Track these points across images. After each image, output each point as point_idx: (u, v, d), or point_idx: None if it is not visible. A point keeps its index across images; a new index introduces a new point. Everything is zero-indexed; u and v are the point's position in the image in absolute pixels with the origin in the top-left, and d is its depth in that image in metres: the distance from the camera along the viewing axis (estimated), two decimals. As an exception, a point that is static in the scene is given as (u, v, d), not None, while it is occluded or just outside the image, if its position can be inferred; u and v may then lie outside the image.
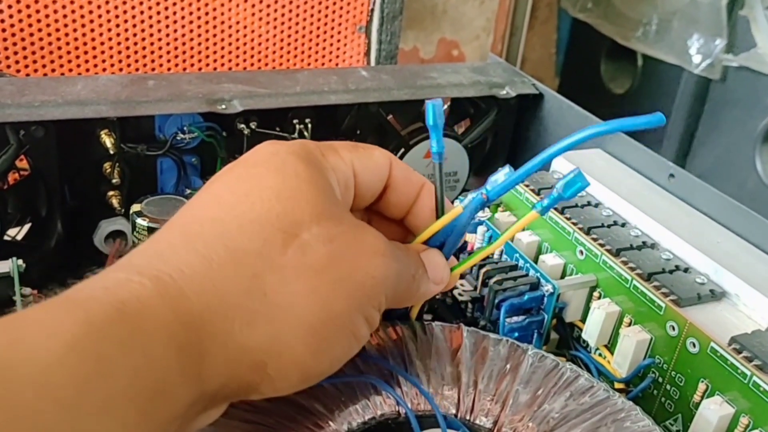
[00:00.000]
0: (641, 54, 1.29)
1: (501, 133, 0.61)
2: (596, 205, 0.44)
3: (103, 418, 0.19)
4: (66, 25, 0.73)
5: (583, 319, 0.40)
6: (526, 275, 0.40)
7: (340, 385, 0.28)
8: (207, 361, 0.22)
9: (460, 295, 0.42)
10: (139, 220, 0.43)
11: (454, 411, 0.28)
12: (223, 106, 0.47)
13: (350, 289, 0.24)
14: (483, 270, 0.40)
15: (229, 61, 0.81)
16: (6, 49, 0.71)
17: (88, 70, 0.75)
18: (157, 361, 0.21)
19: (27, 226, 0.50)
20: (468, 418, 0.28)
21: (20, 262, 0.36)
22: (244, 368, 0.23)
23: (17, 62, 0.72)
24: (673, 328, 0.35)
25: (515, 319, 0.39)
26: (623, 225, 0.42)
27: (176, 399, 0.21)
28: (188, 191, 0.51)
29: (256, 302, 0.23)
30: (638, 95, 1.32)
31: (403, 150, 0.56)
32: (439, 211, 0.31)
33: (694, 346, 0.34)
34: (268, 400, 0.26)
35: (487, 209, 0.45)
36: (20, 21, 0.71)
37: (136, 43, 0.76)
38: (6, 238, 0.47)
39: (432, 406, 0.27)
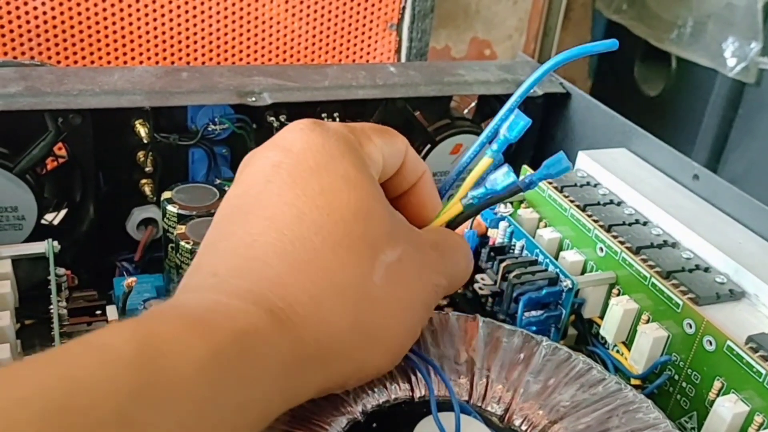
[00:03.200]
0: (675, 56, 1.28)
1: (527, 132, 0.60)
2: (618, 204, 0.44)
3: None
4: (105, 18, 0.75)
5: (602, 316, 0.40)
6: (546, 270, 0.40)
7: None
8: (306, 387, 0.24)
9: (480, 289, 0.42)
10: (170, 207, 0.45)
11: (466, 397, 0.29)
12: (253, 99, 0.48)
13: (423, 305, 0.27)
14: (503, 264, 0.41)
15: (262, 56, 0.82)
16: (47, 40, 0.73)
17: (125, 62, 0.77)
18: (263, 394, 0.22)
19: (63, 212, 0.51)
20: (480, 404, 0.29)
21: (56, 243, 0.38)
22: (332, 388, 0.26)
23: (57, 53, 0.74)
24: (690, 326, 0.35)
25: (533, 313, 0.40)
26: (645, 224, 0.42)
27: (270, 414, 0.23)
28: (218, 181, 0.52)
29: (355, 338, 0.24)
30: (671, 98, 1.31)
31: (429, 146, 0.57)
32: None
33: (710, 344, 0.34)
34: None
35: (509, 205, 0.45)
36: (61, 14, 0.74)
37: (171, 37, 0.78)
38: (43, 222, 0.49)
39: (448, 388, 0.28)
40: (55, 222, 0.51)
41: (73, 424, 0.17)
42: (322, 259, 0.24)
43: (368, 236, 0.24)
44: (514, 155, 0.62)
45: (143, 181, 0.52)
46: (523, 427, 0.28)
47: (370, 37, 0.86)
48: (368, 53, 0.86)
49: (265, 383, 0.21)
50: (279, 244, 0.24)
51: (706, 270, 0.38)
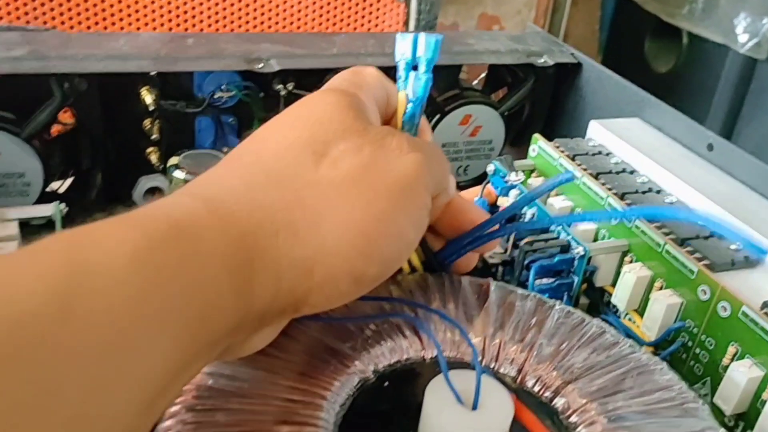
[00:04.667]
0: (686, 32, 1.27)
1: (538, 102, 0.60)
2: (632, 172, 0.44)
3: (156, 332, 0.19)
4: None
5: (614, 284, 0.40)
6: (557, 238, 0.40)
7: (366, 327, 0.28)
8: (256, 279, 0.23)
9: (490, 257, 0.42)
10: (177, 173, 0.44)
11: (479, 358, 0.28)
12: (261, 65, 0.48)
13: (388, 190, 0.25)
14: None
15: (269, 27, 0.81)
16: (53, 5, 0.73)
17: (130, 24, 0.76)
18: (210, 278, 0.21)
19: (69, 180, 0.51)
20: (492, 366, 0.28)
21: (63, 206, 0.37)
22: (291, 279, 0.23)
23: (63, 19, 0.73)
24: (705, 293, 0.34)
25: (545, 280, 0.39)
26: (658, 192, 0.42)
27: (227, 316, 0.22)
28: (225, 149, 0.52)
29: (297, 214, 0.24)
30: (682, 74, 1.29)
31: (438, 116, 0.56)
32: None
33: (725, 310, 0.33)
34: (296, 340, 0.27)
35: (521, 173, 0.44)
36: (67, -19, 0.73)
37: (178, 6, 0.77)
38: (48, 190, 0.49)
39: (464, 337, 0.28)
40: (61, 190, 0.50)
41: (7, 316, 0.17)
42: (262, 160, 0.25)
43: (316, 136, 0.26)
44: (524, 125, 0.61)
45: (149, 149, 0.51)
46: (536, 388, 0.28)
47: (378, 9, 0.85)
48: (376, 25, 0.85)
49: (208, 267, 0.21)
50: (230, 161, 0.26)
51: (721, 237, 0.38)
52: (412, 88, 0.30)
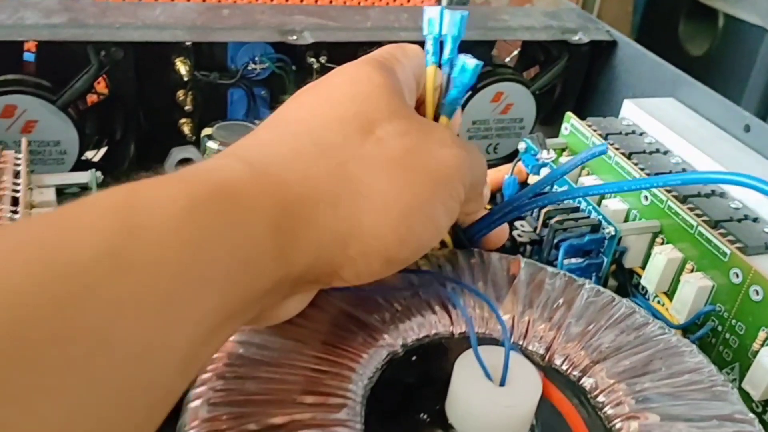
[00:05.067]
0: (723, 13, 1.24)
1: (571, 81, 0.59)
2: (665, 153, 0.43)
3: (203, 286, 0.20)
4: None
5: (643, 266, 0.40)
6: (588, 217, 0.40)
7: (395, 301, 0.28)
8: (297, 244, 0.23)
9: (519, 236, 0.41)
10: (210, 143, 0.45)
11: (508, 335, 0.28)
12: (294, 37, 0.48)
13: (428, 177, 0.26)
14: (544, 210, 0.40)
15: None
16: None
17: None
18: (254, 237, 0.22)
19: (104, 149, 0.52)
20: (521, 343, 0.28)
21: (99, 174, 0.38)
22: (328, 250, 0.24)
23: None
24: (737, 276, 0.34)
25: (573, 260, 0.39)
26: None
27: (266, 277, 0.22)
28: (257, 121, 0.52)
29: (339, 187, 0.24)
30: (716, 57, 1.27)
31: (470, 93, 0.56)
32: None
33: (757, 293, 0.33)
34: (326, 311, 0.27)
35: (552, 151, 0.44)
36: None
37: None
38: (83, 158, 0.49)
39: (494, 312, 0.28)
40: (95, 159, 0.51)
41: (68, 262, 0.17)
42: (311, 129, 0.25)
43: (364, 113, 0.26)
44: (556, 104, 0.61)
45: (182, 120, 0.52)
46: (564, 367, 0.28)
47: (411, -18, 0.84)
48: (409, 0, 0.84)
49: (252, 227, 0.22)
50: (277, 126, 0.26)
51: (755, 220, 0.37)
52: (457, 71, 0.30)
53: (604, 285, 0.41)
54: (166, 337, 0.19)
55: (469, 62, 0.29)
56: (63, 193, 0.39)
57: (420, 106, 0.31)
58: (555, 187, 0.42)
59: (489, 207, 0.37)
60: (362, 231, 0.24)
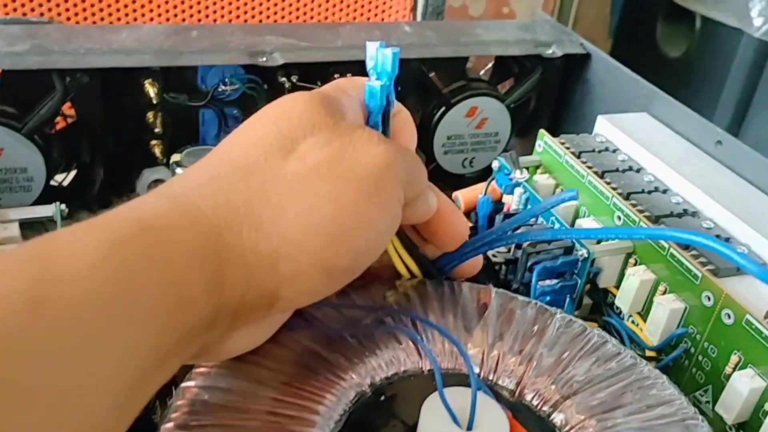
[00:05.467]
0: (700, 15, 1.25)
1: (545, 94, 0.59)
2: (638, 171, 0.43)
3: (127, 329, 0.20)
4: (114, -26, 0.74)
5: (618, 286, 0.39)
6: (561, 239, 0.39)
7: (362, 337, 0.28)
8: (225, 272, 0.23)
9: (494, 256, 0.41)
10: (179, 170, 0.44)
11: (477, 370, 0.28)
12: (264, 59, 0.47)
13: (356, 181, 0.25)
14: (518, 232, 0.40)
15: (275, 13, 0.80)
16: (56, -4, 0.72)
17: (136, 19, 0.76)
18: (179, 270, 0.21)
19: (73, 173, 0.51)
20: (491, 378, 0.28)
21: (63, 206, 0.37)
22: (258, 272, 0.23)
23: (60, 9, 0.73)
24: (709, 299, 0.34)
25: (548, 282, 0.39)
26: (665, 191, 0.41)
27: (199, 309, 0.22)
28: (228, 143, 0.51)
29: (261, 207, 0.24)
30: (694, 59, 1.27)
31: (444, 108, 0.56)
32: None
33: (729, 317, 0.33)
34: (289, 349, 0.27)
35: (525, 171, 0.44)
36: (70, -31, 0.72)
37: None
38: (52, 183, 0.49)
39: (465, 359, 0.27)
40: (65, 183, 0.50)
41: None
42: (230, 155, 0.25)
43: (284, 133, 0.26)
44: (530, 119, 0.60)
45: (153, 142, 0.51)
46: (534, 402, 0.27)
47: (385, -5, 0.83)
48: (383, 11, 0.84)
49: (176, 260, 0.22)
50: (201, 160, 0.26)
51: (727, 240, 0.37)
52: (366, 97, 0.30)
53: (579, 305, 0.40)
54: (93, 381, 0.19)
55: (373, 83, 0.29)
56: (29, 225, 0.38)
57: None
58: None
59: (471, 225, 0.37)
60: (289, 246, 0.24)
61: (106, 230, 0.21)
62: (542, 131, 0.46)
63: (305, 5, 0.81)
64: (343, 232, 0.25)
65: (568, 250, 0.39)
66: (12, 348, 0.17)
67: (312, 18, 0.82)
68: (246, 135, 0.26)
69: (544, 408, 0.27)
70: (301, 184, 0.25)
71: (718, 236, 0.37)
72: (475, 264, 0.34)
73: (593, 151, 0.45)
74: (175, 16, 0.78)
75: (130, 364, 0.20)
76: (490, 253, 0.41)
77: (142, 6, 0.76)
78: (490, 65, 0.62)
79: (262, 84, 0.51)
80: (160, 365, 0.21)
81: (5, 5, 0.71)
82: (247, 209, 0.24)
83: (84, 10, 0.75)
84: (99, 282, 0.19)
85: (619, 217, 0.40)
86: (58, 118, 0.48)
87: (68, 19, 0.74)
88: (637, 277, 0.37)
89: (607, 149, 0.45)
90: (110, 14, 0.76)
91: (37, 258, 0.19)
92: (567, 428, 0.26)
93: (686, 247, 0.36)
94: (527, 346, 0.29)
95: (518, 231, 0.37)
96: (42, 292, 0.18)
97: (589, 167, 0.43)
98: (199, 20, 0.78)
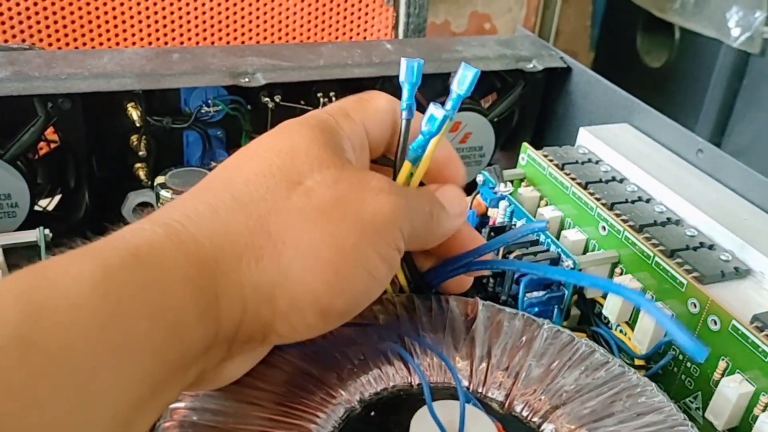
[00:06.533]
0: (678, 27, 1.26)
1: (528, 108, 0.60)
2: (621, 181, 0.43)
3: (119, 361, 0.19)
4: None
5: (605, 295, 0.40)
6: (547, 250, 0.40)
7: (351, 354, 0.28)
8: (221, 302, 0.22)
9: (481, 269, 0.41)
10: (163, 192, 0.44)
11: (466, 383, 0.28)
12: (246, 80, 0.47)
13: (360, 226, 0.25)
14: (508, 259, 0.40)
15: (257, 35, 0.80)
16: (38, 23, 0.72)
17: (117, 43, 0.76)
18: (172, 301, 0.21)
19: (57, 197, 0.51)
20: (480, 390, 0.28)
21: (47, 231, 0.37)
22: (254, 305, 0.23)
23: (48, 36, 0.73)
24: (695, 306, 0.34)
25: (535, 294, 0.39)
26: (648, 201, 0.42)
27: (193, 339, 0.21)
28: (213, 164, 0.51)
29: (261, 239, 0.23)
30: (675, 69, 1.29)
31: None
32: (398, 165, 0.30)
33: (715, 323, 0.33)
34: (279, 369, 0.27)
35: (509, 184, 0.44)
36: (51, -5, 0.72)
37: (163, 17, 0.76)
38: (37, 208, 0.48)
39: (452, 373, 0.27)
40: (50, 208, 0.50)
41: None
42: (231, 185, 0.25)
43: (289, 167, 0.25)
44: (514, 132, 0.61)
45: (138, 165, 0.51)
46: (525, 413, 0.27)
47: (366, 13, 0.84)
48: (365, 29, 0.84)
49: (169, 290, 0.21)
50: (199, 187, 0.26)
51: (711, 247, 0.38)
52: (426, 120, 0.30)
53: (567, 316, 0.40)
54: (86, 415, 0.18)
55: (437, 113, 0.29)
56: (12, 251, 0.38)
57: (389, 153, 0.31)
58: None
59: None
60: (288, 282, 0.23)
61: (98, 260, 0.21)
62: (525, 144, 0.47)
63: (287, 26, 0.82)
64: (341, 275, 0.24)
65: (555, 261, 0.39)
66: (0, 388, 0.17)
67: (294, 38, 0.82)
68: (246, 165, 0.26)
69: (534, 419, 0.27)
70: (305, 221, 0.24)
71: (702, 243, 0.38)
72: (464, 281, 0.34)
73: (576, 162, 0.45)
74: (157, 39, 0.78)
75: (123, 395, 0.19)
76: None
77: (124, 31, 0.76)
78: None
79: (246, 104, 0.51)
80: (156, 394, 0.21)
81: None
82: (248, 240, 0.23)
83: (66, 35, 0.75)
84: (90, 314, 0.19)
85: (604, 227, 0.40)
86: (42, 144, 0.48)
87: (50, 45, 0.74)
88: (624, 286, 0.37)
89: (590, 160, 0.45)
90: (92, 39, 0.76)
91: (26, 293, 0.19)
92: (557, 439, 0.26)
93: (671, 254, 0.36)
94: (515, 357, 0.29)
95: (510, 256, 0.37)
96: (31, 328, 0.18)
97: (573, 179, 0.43)
98: (182, 43, 0.79)
